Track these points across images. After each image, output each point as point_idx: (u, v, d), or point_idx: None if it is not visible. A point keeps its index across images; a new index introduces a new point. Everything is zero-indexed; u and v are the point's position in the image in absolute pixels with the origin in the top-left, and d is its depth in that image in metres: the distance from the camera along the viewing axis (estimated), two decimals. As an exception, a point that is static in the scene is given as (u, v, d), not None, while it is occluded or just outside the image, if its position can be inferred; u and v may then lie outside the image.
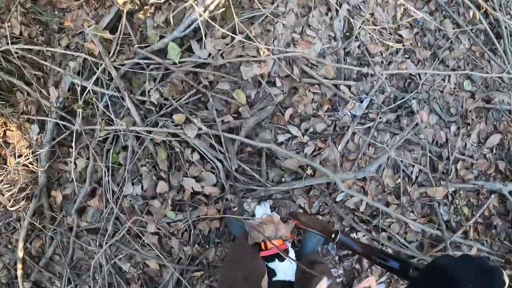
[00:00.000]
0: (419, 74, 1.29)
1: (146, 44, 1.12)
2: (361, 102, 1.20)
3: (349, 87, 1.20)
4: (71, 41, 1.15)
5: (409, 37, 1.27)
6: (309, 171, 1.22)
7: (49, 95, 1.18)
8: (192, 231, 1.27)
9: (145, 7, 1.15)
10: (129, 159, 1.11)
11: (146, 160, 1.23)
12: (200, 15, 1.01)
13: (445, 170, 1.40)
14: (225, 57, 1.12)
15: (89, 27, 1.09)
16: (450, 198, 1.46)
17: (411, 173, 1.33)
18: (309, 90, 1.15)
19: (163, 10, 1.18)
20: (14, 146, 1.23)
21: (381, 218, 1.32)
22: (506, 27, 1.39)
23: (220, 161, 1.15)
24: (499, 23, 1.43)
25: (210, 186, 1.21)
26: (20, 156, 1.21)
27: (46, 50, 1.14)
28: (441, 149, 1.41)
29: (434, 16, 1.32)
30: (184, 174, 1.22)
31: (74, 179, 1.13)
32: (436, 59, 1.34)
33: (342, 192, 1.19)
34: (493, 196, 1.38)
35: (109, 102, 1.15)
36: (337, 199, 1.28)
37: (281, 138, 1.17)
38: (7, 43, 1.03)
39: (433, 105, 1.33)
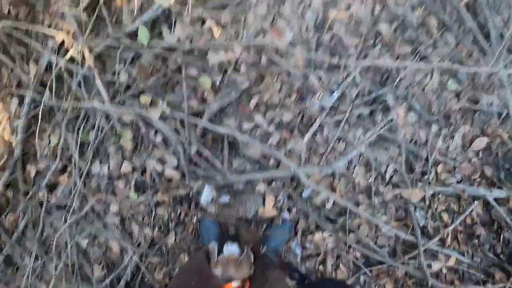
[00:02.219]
0: (397, 69, 1.16)
1: (120, 27, 1.14)
2: (332, 93, 1.07)
3: (319, 77, 1.08)
4: (52, 21, 1.12)
5: (387, 31, 1.13)
6: (272, 162, 1.14)
7: (29, 71, 1.21)
8: (153, 215, 1.22)
9: None
10: (94, 136, 1.06)
11: (113, 139, 1.21)
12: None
13: (423, 172, 1.20)
14: (193, 43, 1.04)
15: (68, 7, 1.11)
16: (427, 202, 1.31)
17: (385, 172, 1.16)
18: (277, 79, 1.05)
19: None
20: None
21: (349, 218, 1.21)
22: (494, 27, 1.26)
23: (182, 144, 1.07)
24: (487, 23, 1.31)
25: (171, 168, 1.17)
26: None
27: (31, 29, 1.17)
28: (419, 149, 1.20)
29: (416, 9, 1.16)
30: (148, 155, 1.18)
31: (42, 155, 1.13)
32: (417, 56, 1.20)
33: (308, 187, 1.10)
34: (476, 202, 1.20)
35: (82, 80, 1.11)
36: (303, 195, 1.18)
37: (246, 126, 1.06)
38: None
39: (413, 102, 1.17)
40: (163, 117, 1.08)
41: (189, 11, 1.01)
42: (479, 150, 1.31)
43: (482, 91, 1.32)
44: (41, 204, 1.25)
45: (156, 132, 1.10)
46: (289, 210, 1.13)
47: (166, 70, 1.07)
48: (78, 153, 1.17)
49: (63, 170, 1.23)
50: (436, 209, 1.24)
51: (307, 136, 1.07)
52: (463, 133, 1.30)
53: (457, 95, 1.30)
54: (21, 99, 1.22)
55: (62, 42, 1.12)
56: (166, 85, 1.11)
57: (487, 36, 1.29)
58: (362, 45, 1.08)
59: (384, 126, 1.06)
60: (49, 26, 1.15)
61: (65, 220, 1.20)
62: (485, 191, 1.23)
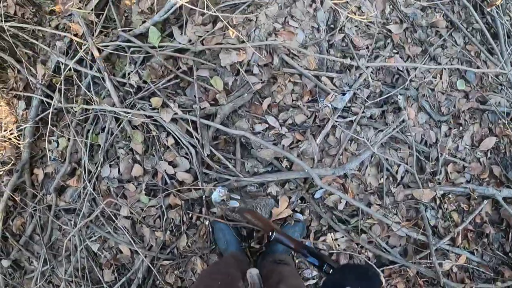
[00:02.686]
0: (407, 69, 1.13)
1: (130, 28, 1.04)
2: (344, 94, 1.05)
3: (331, 78, 1.06)
4: (60, 22, 1.08)
5: (398, 32, 1.11)
6: (285, 164, 1.12)
7: (37, 73, 1.18)
8: (165, 218, 1.20)
9: None
10: (105, 139, 1.04)
11: (123, 142, 1.19)
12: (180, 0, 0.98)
13: (433, 172, 1.18)
14: (205, 44, 1.01)
15: (78, 9, 1.08)
16: (438, 201, 1.29)
17: (396, 172, 1.14)
18: (289, 80, 1.03)
19: None
20: (1, 121, 1.23)
21: (361, 219, 1.19)
22: (503, 27, 1.25)
23: (194, 146, 1.03)
24: (496, 23, 1.31)
25: (183, 172, 1.15)
26: (5, 130, 1.20)
27: (38, 30, 1.14)
28: (430, 150, 1.18)
29: (426, 13, 1.17)
30: (159, 158, 1.16)
31: (51, 158, 1.10)
32: (427, 56, 1.16)
33: (320, 188, 1.09)
34: (485, 201, 1.19)
35: (91, 82, 1.08)
36: (316, 196, 1.17)
37: (258, 128, 1.04)
38: (1, 21, 1.00)
39: (423, 103, 1.16)
40: (174, 119, 1.06)
41: (201, 12, 0.99)
42: (487, 150, 1.30)
43: (490, 91, 1.32)
44: (49, 207, 1.22)
45: (167, 134, 1.08)
46: (302, 211, 1.11)
47: (177, 71, 1.05)
48: (88, 156, 1.14)
49: (72, 173, 1.21)
50: (446, 209, 1.23)
51: (320, 137, 1.06)
52: (472, 133, 1.30)
53: (466, 95, 1.29)
54: (28, 102, 1.19)
55: (71, 44, 1.10)
56: (177, 87, 1.09)
57: (494, 37, 1.29)
58: (373, 46, 1.08)
59: (397, 127, 1.05)
60: (57, 27, 1.12)
61: (75, 224, 1.17)
62: (494, 191, 1.23)
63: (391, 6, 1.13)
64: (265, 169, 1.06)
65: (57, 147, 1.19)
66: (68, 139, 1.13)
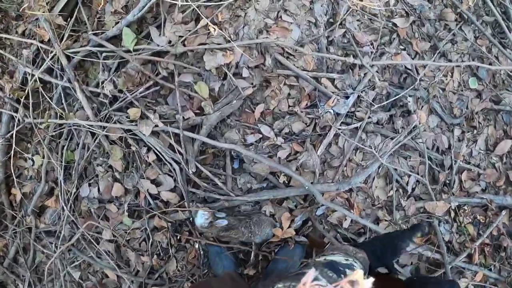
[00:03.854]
0: (416, 68, 0.87)
1: (102, 31, 0.80)
2: (347, 98, 0.80)
3: (332, 80, 0.81)
4: (26, 28, 0.85)
5: (404, 26, 0.86)
6: (282, 179, 0.86)
7: (4, 85, 0.96)
8: (151, 241, 0.97)
9: None
10: (81, 156, 0.83)
11: (102, 159, 0.96)
12: None
13: (447, 181, 0.99)
14: (186, 45, 0.77)
15: (42, 12, 0.86)
16: (452, 214, 1.05)
17: (407, 184, 0.88)
18: (284, 83, 0.78)
19: None
20: None
21: (369, 237, 0.96)
22: None
23: (178, 163, 0.79)
24: (507, 15, 1.06)
25: (168, 191, 0.92)
26: None
27: (4, 38, 0.92)
28: (443, 157, 0.92)
29: (434, 4, 0.91)
30: (141, 176, 0.93)
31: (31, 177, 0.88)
32: (437, 52, 0.89)
33: (322, 205, 0.86)
34: (504, 212, 0.93)
35: (62, 94, 0.83)
36: (317, 213, 0.93)
37: (250, 139, 0.79)
38: None
39: (434, 104, 0.90)
40: (155, 132, 0.82)
41: (181, 9, 0.76)
42: (503, 154, 1.04)
43: (504, 89, 1.07)
44: (30, 229, 1.00)
45: (148, 149, 0.85)
46: (301, 228, 0.87)
47: (157, 77, 0.82)
48: (64, 175, 0.91)
49: (50, 193, 0.98)
50: (461, 222, 0.99)
51: (321, 147, 0.81)
52: (486, 136, 1.04)
53: (479, 94, 1.04)
54: None
55: (39, 52, 0.88)
56: (157, 95, 0.85)
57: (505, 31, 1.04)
58: (377, 42, 0.83)
59: (410, 133, 0.81)
60: (23, 33, 0.90)
61: (57, 247, 0.95)
62: None
63: None
64: (259, 185, 0.82)
65: (33, 165, 0.96)
66: (43, 156, 0.91)
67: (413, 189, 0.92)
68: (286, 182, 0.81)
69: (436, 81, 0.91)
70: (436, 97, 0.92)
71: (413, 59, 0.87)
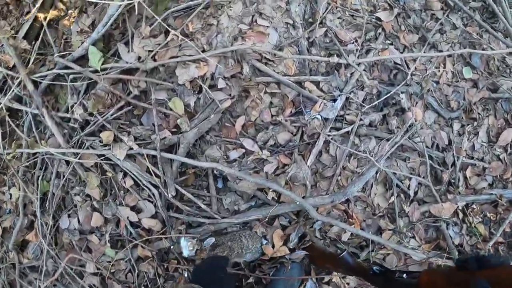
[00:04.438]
0: (406, 62, 0.76)
1: (69, 52, 0.70)
2: (334, 101, 0.69)
3: (316, 83, 0.70)
4: None
5: (389, 19, 0.75)
6: (271, 195, 0.74)
7: None
8: (137, 272, 0.86)
9: (69, 11, 0.82)
10: (55, 186, 0.73)
11: (78, 188, 0.85)
12: (119, 7, 0.65)
13: (451, 180, 0.80)
14: (157, 59, 0.67)
15: (7, 39, 0.77)
16: (460, 215, 0.91)
17: (408, 188, 0.76)
18: (265, 92, 0.67)
19: (89, 12, 0.84)
20: None
21: (373, 250, 0.82)
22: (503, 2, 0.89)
23: (156, 187, 0.68)
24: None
25: (149, 218, 0.81)
26: None
27: None
28: (444, 154, 0.80)
29: None
30: (120, 204, 0.82)
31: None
32: (426, 44, 0.78)
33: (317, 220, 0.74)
34: None
35: (32, 122, 0.74)
36: (315, 227, 0.80)
37: (233, 154, 0.68)
38: None
39: (428, 99, 0.78)
40: (131, 156, 0.72)
41: (149, 22, 0.67)
42: (506, 145, 0.92)
43: (499, 76, 0.95)
44: (13, 265, 0.89)
45: (125, 174, 0.74)
46: (298, 245, 0.75)
47: (128, 97, 0.72)
48: (42, 207, 0.81)
49: (31, 226, 0.87)
50: (471, 222, 0.86)
51: (311, 157, 0.69)
52: (487, 127, 0.93)
53: (475, 84, 0.92)
54: None
55: (6, 79, 0.79)
56: (130, 116, 0.74)
57: (494, 15, 0.94)
58: (362, 39, 0.73)
59: (406, 132, 0.70)
60: None
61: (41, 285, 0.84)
62: None
63: None
64: (247, 204, 0.70)
65: (10, 198, 0.85)
66: (19, 189, 0.81)
67: (415, 193, 0.79)
68: (276, 198, 0.69)
69: (428, 74, 0.79)
70: (431, 91, 0.80)
71: (401, 53, 0.77)
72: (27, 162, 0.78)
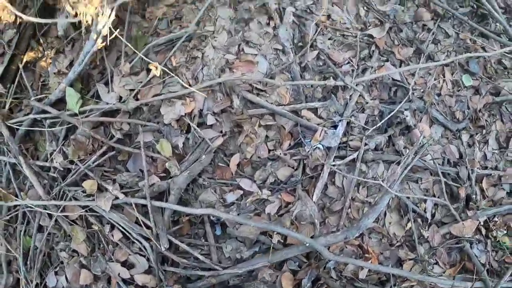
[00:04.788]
0: (405, 77, 0.69)
1: (46, 95, 0.63)
2: (335, 127, 0.61)
3: (314, 110, 0.62)
4: None
5: (381, 35, 0.69)
6: (276, 238, 0.64)
7: None
8: None
9: (45, 52, 0.75)
10: (38, 241, 0.63)
11: (64, 243, 0.75)
12: (94, 43, 0.58)
13: (468, 195, 0.77)
14: (140, 98, 0.60)
15: None
16: (483, 231, 0.83)
17: (425, 210, 0.67)
18: (259, 125, 0.59)
19: (66, 53, 0.77)
20: None
21: (395, 284, 0.72)
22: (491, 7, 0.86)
23: (148, 239, 0.59)
24: (482, 3, 0.91)
25: (142, 273, 0.70)
26: None
27: None
28: (458, 168, 0.72)
29: (407, 6, 0.74)
30: (110, 259, 0.72)
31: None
32: (422, 56, 0.72)
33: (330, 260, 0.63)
34: None
35: (11, 172, 0.65)
36: (329, 266, 0.70)
37: (230, 197, 0.59)
38: None
39: (433, 113, 0.71)
40: (117, 206, 0.63)
41: (129, 59, 0.60)
42: (518, 147, 0.86)
43: (499, 78, 0.89)
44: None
45: (112, 227, 0.65)
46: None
47: (111, 141, 0.63)
48: (25, 264, 0.71)
49: (17, 284, 0.77)
50: (495, 237, 0.77)
51: (316, 192, 0.59)
52: (496, 134, 0.86)
53: (476, 90, 0.86)
54: None
55: None
56: (115, 162, 0.65)
57: (484, 17, 0.90)
58: (357, 58, 0.66)
59: (416, 153, 0.61)
60: None
61: None
62: None
63: (365, 8, 0.71)
64: (250, 250, 0.60)
65: (-7, 255, 0.75)
66: (1, 244, 0.71)
67: (433, 215, 0.70)
68: (282, 241, 0.59)
69: (429, 87, 0.73)
70: (434, 105, 0.73)
71: (397, 68, 0.70)
72: (8, 216, 0.68)
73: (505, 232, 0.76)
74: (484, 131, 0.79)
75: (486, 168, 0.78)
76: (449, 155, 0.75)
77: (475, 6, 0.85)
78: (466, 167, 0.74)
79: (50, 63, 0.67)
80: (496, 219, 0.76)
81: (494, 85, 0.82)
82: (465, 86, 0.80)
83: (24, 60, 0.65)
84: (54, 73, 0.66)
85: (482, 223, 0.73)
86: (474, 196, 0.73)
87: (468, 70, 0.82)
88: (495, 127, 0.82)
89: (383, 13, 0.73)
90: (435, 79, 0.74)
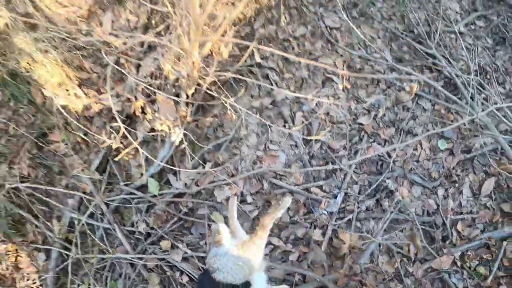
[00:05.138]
0: (388, 153, 1.02)
1: (130, 182, 1.04)
2: (335, 197, 0.96)
3: (320, 187, 0.97)
4: (69, 182, 1.10)
5: (368, 122, 1.03)
6: (297, 277, 1.02)
7: (53, 227, 1.20)
8: None
9: (126, 151, 1.14)
10: (122, 285, 1.01)
11: (141, 285, 1.01)
12: (169, 151, 1.00)
13: (444, 236, 1.03)
14: (199, 185, 0.98)
15: (82, 170, 1.17)
16: (459, 263, 1.15)
17: (408, 251, 0.98)
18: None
19: (141, 151, 1.19)
20: (23, 271, 1.23)
21: None
22: (458, 76, 1.11)
23: None
24: (451, 74, 1.15)
25: None
26: (28, 280, 1.20)
27: (50, 189, 1.15)
28: (434, 217, 1.03)
29: (388, 94, 1.10)
30: None
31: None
32: (402, 132, 1.05)
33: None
34: (505, 243, 1.01)
35: (103, 233, 1.06)
36: (337, 295, 1.07)
37: (265, 250, 1.04)
38: (17, 182, 1.06)
39: (412, 177, 1.02)
40: (185, 258, 1.02)
41: (190, 157, 1.01)
42: (490, 192, 1.18)
43: (472, 137, 1.22)
44: None
45: (181, 273, 1.03)
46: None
47: (180, 214, 1.04)
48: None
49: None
50: (469, 267, 1.10)
51: (324, 244, 0.97)
52: (469, 184, 1.19)
53: (451, 151, 1.19)
54: (48, 253, 1.10)
55: (81, 200, 1.13)
56: (182, 228, 1.05)
57: (456, 87, 1.22)
58: (349, 144, 1.01)
59: (391, 212, 0.98)
60: (67, 186, 1.16)
61: None
62: (510, 229, 1.10)
63: (355, 102, 1.08)
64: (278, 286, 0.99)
65: (80, 296, 1.16)
66: (89, 285, 1.11)
67: (416, 254, 1.05)
68: (301, 279, 0.98)
69: (408, 156, 1.08)
70: (413, 170, 1.08)
71: (383, 146, 1.06)
72: (98, 265, 1.09)
73: (478, 263, 1.10)
74: (457, 184, 1.13)
75: (461, 213, 1.12)
76: (428, 207, 1.09)
77: (449, 77, 1.18)
78: (441, 215, 1.09)
79: (131, 158, 1.09)
80: (469, 253, 1.09)
81: (466, 144, 1.15)
82: (441, 150, 1.15)
83: (116, 158, 1.06)
84: (135, 166, 1.07)
85: (458, 257, 1.07)
86: (450, 236, 1.08)
87: (443, 136, 1.16)
88: (468, 179, 1.15)
89: (370, 104, 1.09)
90: (414, 149, 1.09)
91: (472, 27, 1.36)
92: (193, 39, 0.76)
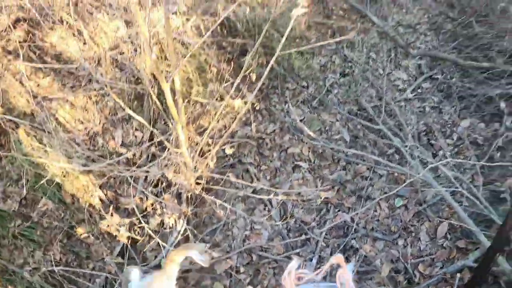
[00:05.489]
0: (351, 217, 1.59)
1: (146, 263, 1.59)
2: (311, 260, 1.53)
3: (298, 253, 1.52)
4: (95, 265, 1.60)
5: (333, 196, 1.59)
6: None
7: None
8: None
9: (142, 238, 1.64)
10: None
11: None
12: (175, 240, 1.47)
13: (408, 279, 1.59)
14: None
15: (107, 255, 1.61)
16: None
17: None
18: (269, 268, 1.50)
19: (156, 238, 1.64)
20: None
21: None
22: (401, 144, 1.56)
23: None
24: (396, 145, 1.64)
25: None
26: None
27: (79, 271, 1.66)
28: (396, 264, 1.63)
29: (348, 168, 1.65)
30: None
31: None
32: (362, 200, 1.60)
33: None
34: (458, 275, 1.42)
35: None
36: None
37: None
38: (52, 265, 1.53)
39: (374, 234, 1.58)
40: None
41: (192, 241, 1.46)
42: (445, 234, 1.61)
43: (424, 191, 1.65)
44: None
45: None
46: None
47: (188, 285, 1.49)
48: None
49: None
50: None
51: (307, 300, 1.44)
52: (425, 231, 1.62)
53: (406, 207, 1.64)
54: None
55: (106, 279, 1.58)
56: None
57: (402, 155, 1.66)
58: (319, 216, 1.47)
59: (359, 262, 1.40)
60: (93, 268, 1.62)
61: None
62: (462, 262, 1.51)
63: (320, 180, 1.54)
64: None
65: None
66: None
67: (383, 298, 1.49)
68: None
69: (369, 217, 1.51)
70: (374, 228, 1.52)
71: (348, 213, 1.49)
72: None
73: (439, 297, 1.53)
74: (413, 233, 1.56)
75: (421, 256, 1.55)
76: (391, 257, 1.52)
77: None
78: (402, 262, 1.51)
79: (145, 243, 1.55)
80: (429, 288, 1.53)
81: (418, 198, 1.58)
82: (398, 207, 1.57)
83: (129, 242, 1.52)
84: (149, 250, 1.52)
85: (420, 294, 1.50)
86: (413, 277, 1.50)
87: (398, 195, 1.59)
88: (424, 227, 1.58)
89: (332, 180, 1.53)
90: (374, 211, 1.52)
91: (419, 90, 1.82)
92: (188, 169, 1.22)
